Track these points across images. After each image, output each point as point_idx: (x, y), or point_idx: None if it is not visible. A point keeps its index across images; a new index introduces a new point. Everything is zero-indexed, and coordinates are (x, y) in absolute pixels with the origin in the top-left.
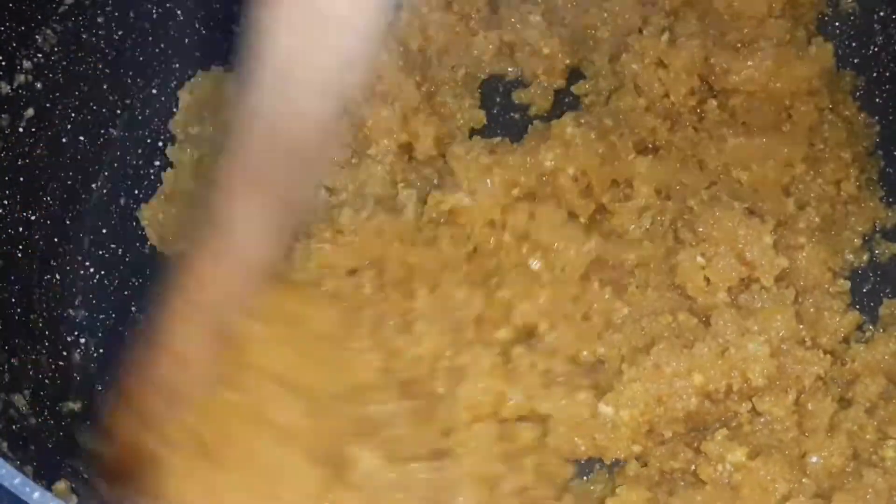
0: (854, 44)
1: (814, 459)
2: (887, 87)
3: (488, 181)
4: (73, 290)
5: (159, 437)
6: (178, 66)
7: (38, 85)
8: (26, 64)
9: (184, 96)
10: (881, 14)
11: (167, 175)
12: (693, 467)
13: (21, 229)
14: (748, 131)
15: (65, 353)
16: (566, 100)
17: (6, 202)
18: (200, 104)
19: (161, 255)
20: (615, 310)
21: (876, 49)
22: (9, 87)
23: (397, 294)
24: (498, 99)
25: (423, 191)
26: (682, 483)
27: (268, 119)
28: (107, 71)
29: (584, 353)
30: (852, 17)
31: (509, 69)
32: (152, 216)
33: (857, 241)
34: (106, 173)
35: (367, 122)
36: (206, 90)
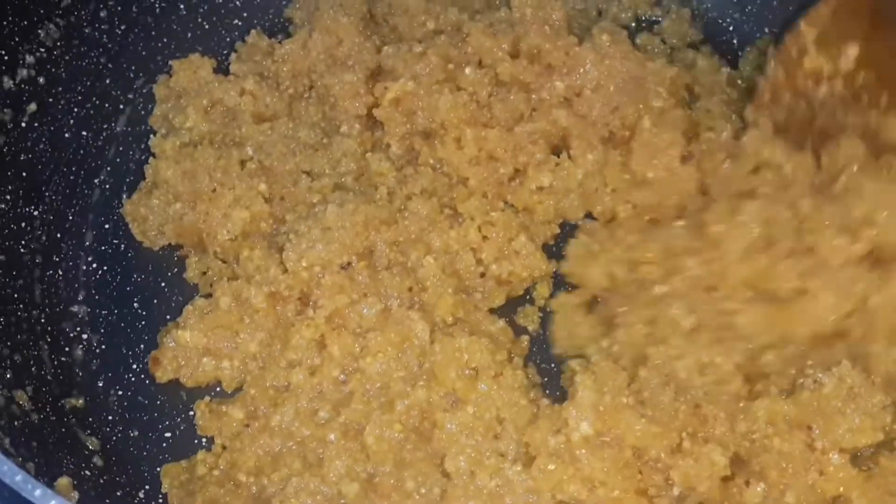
0: None
1: None
2: None
3: (425, 64)
4: (76, 285)
5: None
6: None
7: (41, 79)
8: (29, 58)
9: (160, 91)
10: None
11: (149, 166)
12: None
13: (23, 224)
14: None
15: (67, 349)
16: None
17: (8, 197)
18: (178, 94)
19: (163, 250)
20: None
21: None
22: (11, 81)
23: (397, 278)
24: None
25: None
26: None
27: None
28: (109, 66)
29: None
30: None
31: None
32: (133, 210)
33: None
34: (109, 168)
35: (333, 90)
36: (182, 78)
